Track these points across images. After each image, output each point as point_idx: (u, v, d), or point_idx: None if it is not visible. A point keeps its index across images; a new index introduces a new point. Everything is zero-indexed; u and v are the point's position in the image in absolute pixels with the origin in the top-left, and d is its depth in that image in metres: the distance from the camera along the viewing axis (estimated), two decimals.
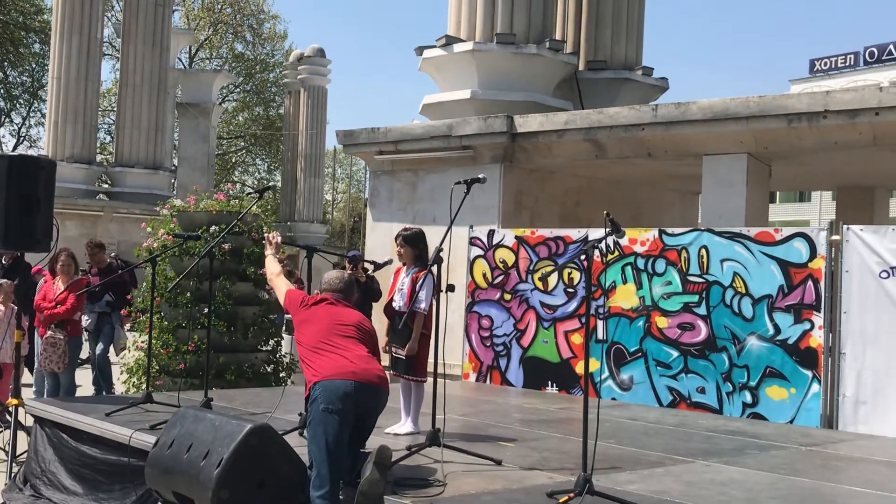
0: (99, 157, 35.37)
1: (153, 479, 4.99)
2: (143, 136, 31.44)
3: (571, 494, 4.53)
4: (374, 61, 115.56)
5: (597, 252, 9.57)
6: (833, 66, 52.84)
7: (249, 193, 9.08)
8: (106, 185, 32.54)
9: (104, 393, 10.23)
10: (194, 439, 4.79)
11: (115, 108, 35.34)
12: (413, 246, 6.72)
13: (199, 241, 8.81)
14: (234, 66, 49.35)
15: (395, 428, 6.67)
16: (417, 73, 14.59)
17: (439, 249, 5.68)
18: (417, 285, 6.33)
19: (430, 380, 6.16)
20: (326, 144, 41.83)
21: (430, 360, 6.04)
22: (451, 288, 5.90)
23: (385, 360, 7.64)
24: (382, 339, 7.17)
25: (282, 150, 44.62)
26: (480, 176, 5.98)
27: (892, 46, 50.10)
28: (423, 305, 6.49)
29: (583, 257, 4.92)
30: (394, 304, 6.77)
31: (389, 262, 7.06)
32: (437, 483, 4.96)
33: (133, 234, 23.62)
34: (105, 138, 45.56)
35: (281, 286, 5.79)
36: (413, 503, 4.61)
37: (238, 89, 50.97)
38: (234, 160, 53.76)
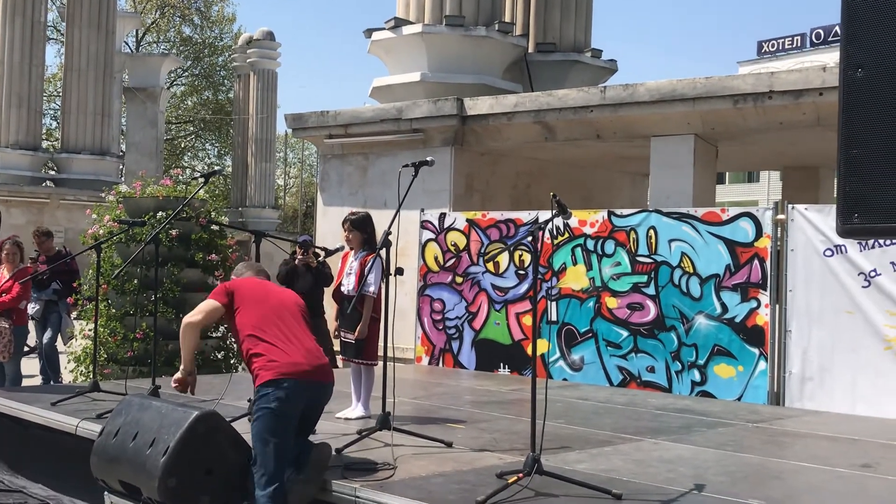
0: (45, 144, 34.73)
1: (98, 468, 4.92)
2: (90, 122, 30.90)
3: (520, 475, 4.54)
4: (324, 44, 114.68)
5: (547, 234, 9.68)
6: (780, 47, 53.47)
7: (195, 178, 8.95)
8: (52, 172, 31.95)
9: (51, 382, 10.08)
10: (140, 427, 4.72)
11: (61, 94, 34.66)
12: (361, 230, 6.69)
13: (146, 228, 8.69)
14: (181, 49, 48.66)
15: (346, 412, 6.65)
16: (369, 56, 14.51)
17: (387, 233, 5.66)
18: (366, 269, 6.30)
19: (380, 364, 6.14)
20: (278, 129, 41.40)
21: (381, 343, 6.02)
22: (399, 271, 5.88)
23: (336, 344, 7.64)
24: (332, 324, 7.15)
25: (232, 134, 44.15)
26: (429, 159, 5.95)
27: (838, 27, 50.70)
28: (372, 289, 6.47)
29: (529, 239, 4.92)
30: (343, 289, 6.75)
31: (342, 248, 7.01)
32: (387, 466, 4.96)
33: (80, 221, 23.20)
34: (51, 124, 44.74)
35: (199, 311, 4.94)
36: (362, 487, 4.59)
37: (186, 73, 50.29)
38: (183, 145, 53.08)
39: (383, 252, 5.71)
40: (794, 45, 52.92)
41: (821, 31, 51.59)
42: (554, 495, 4.49)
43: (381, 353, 6.13)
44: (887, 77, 2.69)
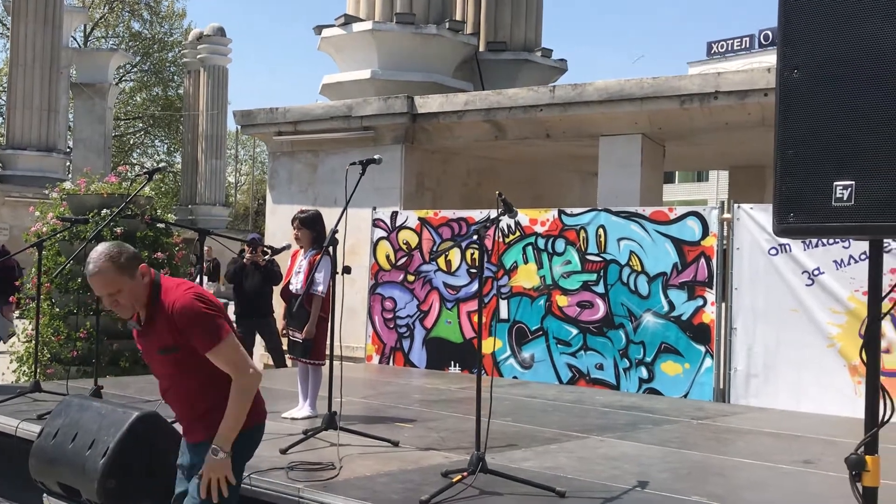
0: None
1: (37, 470, 4.82)
2: (36, 118, 30.34)
3: (465, 473, 4.54)
4: (276, 40, 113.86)
5: (499, 233, 9.70)
6: (730, 48, 54.16)
7: (139, 175, 8.81)
8: None
9: None
10: (80, 428, 4.63)
11: (6, 89, 34.00)
12: (310, 228, 6.65)
13: (89, 225, 8.54)
14: (130, 45, 47.92)
15: (293, 412, 6.60)
16: (320, 53, 14.42)
17: (335, 231, 5.63)
18: (314, 268, 6.25)
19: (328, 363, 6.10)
20: (228, 125, 40.98)
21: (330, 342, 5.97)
22: (347, 270, 5.84)
23: (284, 343, 7.58)
24: (281, 323, 7.10)
25: (182, 131, 43.61)
26: (376, 157, 5.92)
27: None
28: (320, 288, 6.43)
29: (475, 237, 4.92)
30: (291, 287, 6.71)
31: (287, 247, 6.97)
32: (332, 466, 4.92)
33: (26, 218, 22.77)
34: None
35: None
36: (306, 487, 4.56)
37: (135, 69, 49.55)
38: (132, 142, 52.34)
39: (331, 250, 5.67)
40: (743, 46, 53.65)
41: (769, 33, 52.28)
42: (499, 493, 4.50)
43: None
44: (823, 79, 2.73)
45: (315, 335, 6.48)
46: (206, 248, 9.49)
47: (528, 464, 5.23)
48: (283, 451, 5.24)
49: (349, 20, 13.44)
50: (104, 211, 9.25)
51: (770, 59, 44.05)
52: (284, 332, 6.79)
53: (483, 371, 8.66)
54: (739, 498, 4.83)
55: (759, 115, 9.35)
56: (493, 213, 9.64)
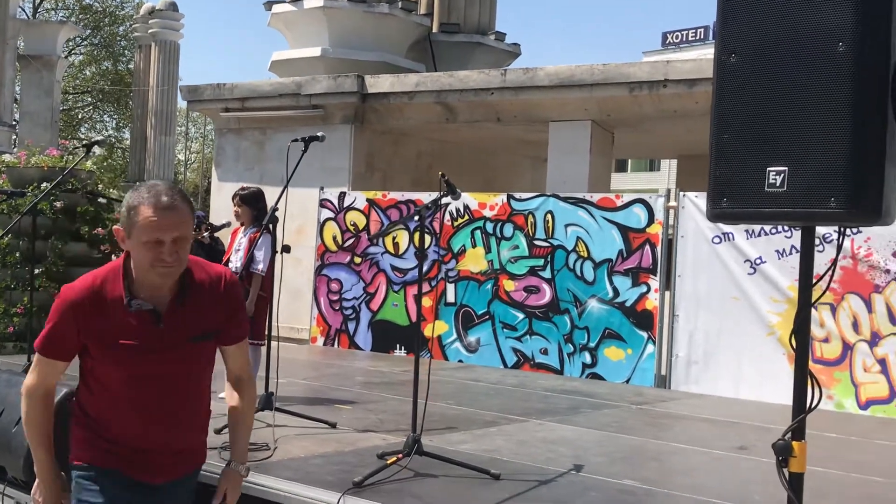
0: None
1: None
2: None
3: (400, 455, 4.51)
4: (228, 16, 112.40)
5: (447, 216, 9.67)
6: (684, 38, 54.56)
7: (77, 148, 8.62)
8: None
9: None
10: (6, 404, 4.51)
11: None
12: (250, 205, 6.55)
13: (27, 198, 8.35)
14: (80, 17, 46.97)
15: None
16: (270, 30, 14.22)
17: (275, 209, 5.54)
18: (254, 245, 6.16)
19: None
20: (179, 102, 40.38)
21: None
22: (286, 249, 5.77)
23: None
24: None
25: (131, 106, 42.86)
26: (319, 134, 5.83)
27: None
28: (260, 266, 6.34)
29: (416, 218, 4.87)
30: (231, 266, 6.59)
31: (227, 224, 6.87)
32: (266, 447, 4.86)
33: None
34: None
35: None
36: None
37: (85, 42, 48.60)
38: (80, 116, 51.36)
39: (271, 228, 5.59)
40: (698, 37, 54.05)
41: None
42: (433, 475, 4.47)
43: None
44: (758, 63, 2.71)
45: (254, 314, 6.38)
46: None
47: (466, 446, 5.21)
48: (217, 432, 5.16)
49: None
50: (44, 184, 9.05)
51: None
52: None
53: (429, 354, 8.63)
54: (672, 482, 4.85)
55: (707, 103, 9.38)
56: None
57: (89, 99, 50.68)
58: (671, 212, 8.37)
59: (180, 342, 2.65)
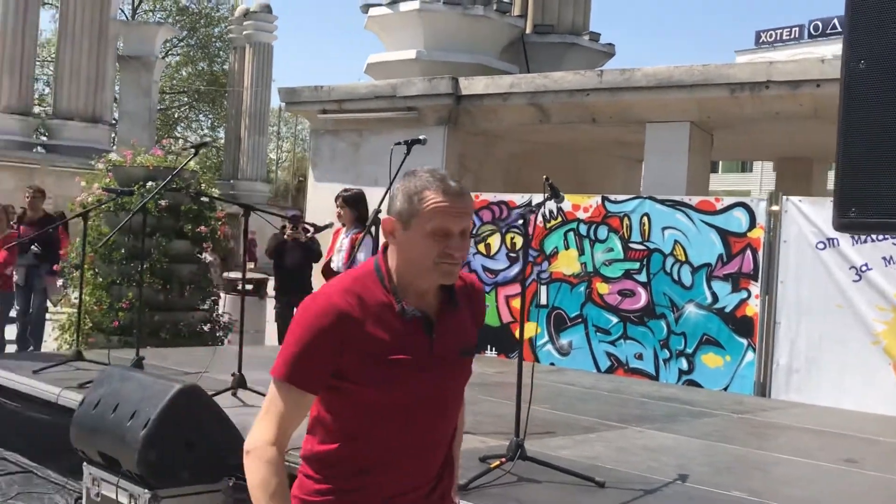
0: (37, 109, 34.45)
1: (78, 438, 4.86)
2: (83, 89, 30.62)
3: (503, 459, 4.51)
4: (322, 18, 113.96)
5: (540, 218, 9.63)
6: (778, 38, 53.38)
7: (185, 149, 8.85)
8: (44, 138, 31.68)
9: (30, 349, 10.01)
10: (121, 399, 4.66)
11: (54, 60, 34.36)
12: (353, 207, 6.65)
13: (134, 197, 8.60)
14: (178, 19, 48.24)
15: None
16: (365, 32, 14.38)
17: (377, 211, 5.60)
18: (356, 247, 6.24)
19: None
20: (272, 102, 41.13)
21: None
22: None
23: None
24: None
25: (226, 106, 43.84)
26: (421, 137, 5.88)
27: (836, 20, 50.73)
28: None
29: (520, 221, 4.87)
30: (332, 265, 6.71)
31: (329, 225, 6.96)
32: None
33: (70, 188, 22.98)
34: (43, 90, 44.36)
35: None
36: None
37: (182, 43, 49.88)
38: (176, 116, 52.74)
39: (373, 230, 5.65)
40: (792, 37, 52.85)
41: (819, 24, 51.50)
42: (537, 481, 4.46)
43: None
44: (889, 70, 2.64)
45: None
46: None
47: (566, 452, 5.19)
48: None
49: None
50: (149, 183, 9.30)
51: (820, 50, 43.34)
52: None
53: (520, 355, 8.61)
54: (779, 494, 4.74)
55: (812, 106, 9.19)
56: (535, 197, 9.62)
57: (185, 99, 52.01)
58: (772, 216, 8.19)
59: (452, 355, 2.24)
